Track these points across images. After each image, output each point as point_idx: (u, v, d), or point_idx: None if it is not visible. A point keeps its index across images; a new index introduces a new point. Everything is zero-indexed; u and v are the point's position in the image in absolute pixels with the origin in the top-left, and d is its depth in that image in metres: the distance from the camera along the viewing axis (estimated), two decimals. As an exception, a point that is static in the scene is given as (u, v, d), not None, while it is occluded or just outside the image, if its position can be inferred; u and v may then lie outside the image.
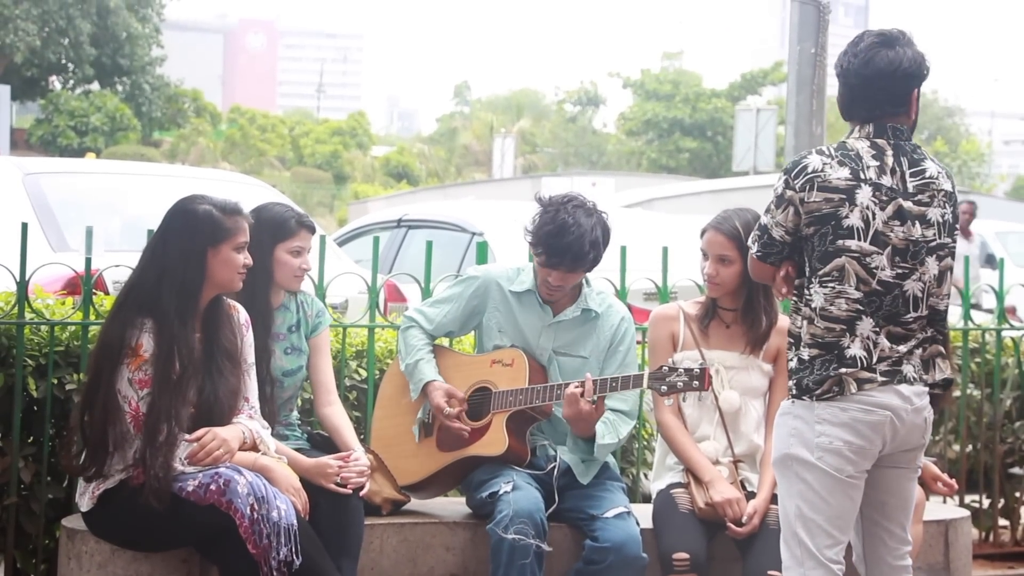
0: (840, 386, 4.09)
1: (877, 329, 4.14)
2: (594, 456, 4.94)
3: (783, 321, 5.09)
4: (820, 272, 4.13)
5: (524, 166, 50.62)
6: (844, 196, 4.11)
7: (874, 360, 4.13)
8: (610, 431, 4.90)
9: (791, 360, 4.18)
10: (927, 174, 4.21)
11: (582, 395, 4.71)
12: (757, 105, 33.92)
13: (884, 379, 4.12)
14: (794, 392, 4.14)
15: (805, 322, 4.15)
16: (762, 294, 5.00)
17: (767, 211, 4.20)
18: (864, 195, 4.12)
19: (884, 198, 4.14)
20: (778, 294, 4.33)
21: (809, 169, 4.13)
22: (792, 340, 4.19)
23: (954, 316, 5.84)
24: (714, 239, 4.98)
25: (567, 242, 4.82)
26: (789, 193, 4.14)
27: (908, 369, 4.16)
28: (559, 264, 4.86)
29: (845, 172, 4.13)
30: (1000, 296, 6.61)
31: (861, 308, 4.12)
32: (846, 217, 4.11)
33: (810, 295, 4.14)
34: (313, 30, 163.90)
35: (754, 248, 4.23)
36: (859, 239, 4.11)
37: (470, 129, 60.07)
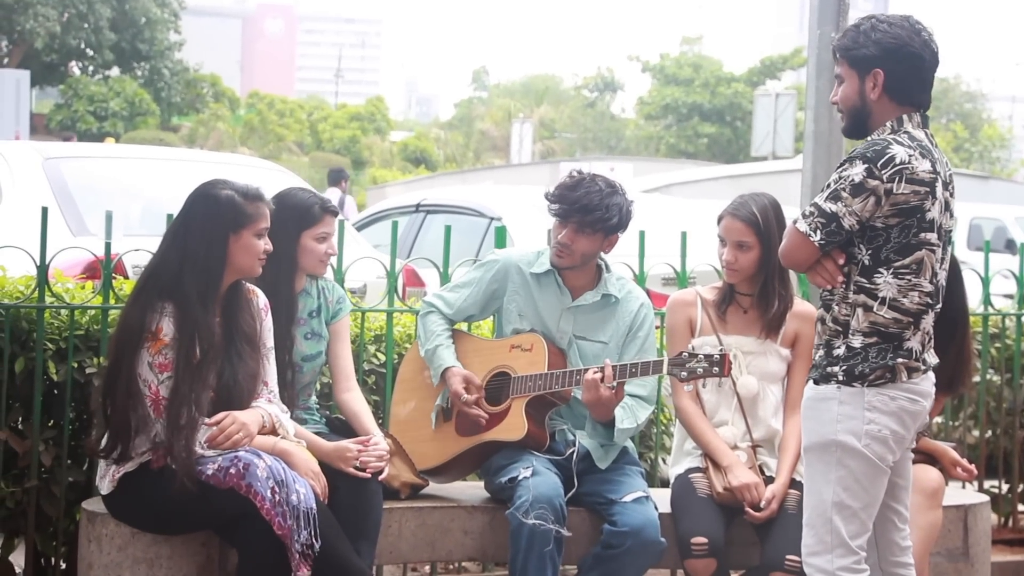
0: (892, 373, 4.09)
1: (934, 324, 4.18)
2: (613, 441, 4.94)
3: (800, 306, 5.08)
4: (897, 264, 4.09)
5: (542, 151, 50.56)
6: (928, 189, 4.09)
7: (924, 352, 4.15)
8: (628, 416, 4.90)
9: (837, 348, 4.13)
10: (949, 164, 4.23)
11: (601, 380, 4.71)
12: (776, 90, 33.81)
13: (925, 367, 4.16)
14: (841, 379, 4.11)
15: (860, 310, 4.10)
16: (777, 279, 4.98)
17: (834, 199, 4.06)
18: (939, 189, 4.12)
19: (943, 190, 4.15)
20: (829, 283, 4.17)
21: (897, 160, 4.05)
22: (838, 328, 4.14)
23: (974, 301, 5.83)
24: (732, 225, 4.97)
25: (579, 194, 4.85)
26: (873, 183, 4.04)
27: (929, 356, 4.18)
28: (569, 215, 4.86)
29: (927, 165, 4.10)
30: (1020, 281, 6.59)
31: (930, 302, 4.13)
32: (929, 211, 4.10)
33: (875, 284, 4.09)
34: (331, 15, 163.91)
35: (816, 236, 4.08)
36: (937, 234, 4.12)
37: (488, 114, 60.01)
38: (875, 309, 4.10)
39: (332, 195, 16.86)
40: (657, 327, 5.28)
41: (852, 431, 4.10)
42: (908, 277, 4.10)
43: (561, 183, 4.94)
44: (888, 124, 4.19)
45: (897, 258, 4.10)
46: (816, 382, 4.19)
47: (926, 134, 4.19)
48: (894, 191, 4.05)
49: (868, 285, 4.11)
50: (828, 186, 4.13)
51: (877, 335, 4.10)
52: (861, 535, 4.16)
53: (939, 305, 4.20)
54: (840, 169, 4.13)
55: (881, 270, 4.10)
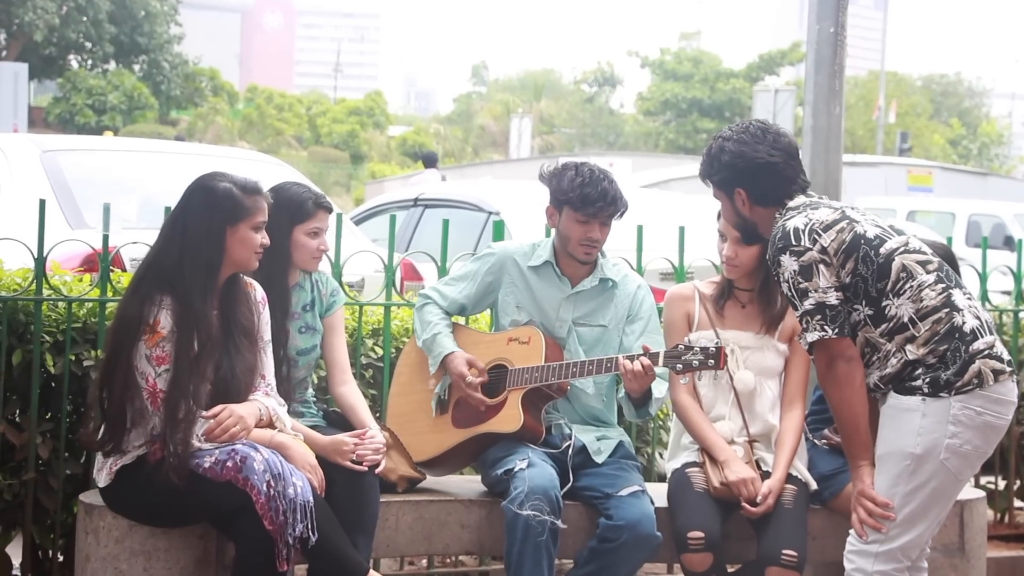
0: (980, 377, 4.07)
1: (968, 295, 4.20)
2: (648, 412, 4.94)
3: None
4: (888, 287, 4.12)
5: (541, 146, 50.59)
6: (845, 222, 4.18)
7: (984, 322, 4.13)
8: (658, 386, 4.90)
9: (918, 371, 4.11)
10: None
11: (642, 367, 4.70)
12: (775, 86, 33.83)
13: (1011, 368, 4.15)
14: (927, 391, 4.08)
15: (908, 345, 4.10)
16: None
17: (804, 295, 4.11)
18: (852, 212, 4.22)
19: (857, 213, 4.28)
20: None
21: (800, 226, 4.17)
22: (907, 370, 4.12)
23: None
24: (732, 220, 4.97)
25: (604, 187, 4.87)
26: (808, 256, 4.12)
27: (1004, 352, 4.18)
28: (603, 209, 4.87)
29: (826, 210, 4.23)
30: (1018, 277, 6.60)
31: (944, 286, 4.14)
32: (866, 231, 4.15)
33: (895, 316, 4.11)
34: (330, 9, 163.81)
35: (829, 331, 4.09)
36: (892, 237, 4.15)
37: (487, 109, 60.06)
38: (914, 333, 4.10)
39: (433, 176, 17.96)
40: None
41: (932, 444, 4.09)
42: (907, 286, 4.11)
43: (572, 182, 4.89)
44: (776, 217, 4.31)
45: (884, 281, 4.12)
46: (898, 392, 4.16)
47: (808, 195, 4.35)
48: (825, 245, 4.13)
49: (891, 324, 4.11)
50: (790, 296, 4.18)
51: (937, 343, 4.09)
52: (916, 548, 4.17)
53: (957, 284, 4.20)
54: (779, 278, 4.20)
55: (886, 303, 4.12)
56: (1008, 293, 6.88)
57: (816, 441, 5.04)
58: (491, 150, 54.44)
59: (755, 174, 4.32)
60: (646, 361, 4.69)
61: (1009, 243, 18.37)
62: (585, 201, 4.86)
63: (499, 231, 5.94)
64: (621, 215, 4.95)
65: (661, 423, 6.01)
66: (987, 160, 53.26)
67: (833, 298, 4.11)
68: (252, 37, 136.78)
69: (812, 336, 4.15)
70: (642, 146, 51.80)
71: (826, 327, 4.11)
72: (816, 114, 6.19)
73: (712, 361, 4.60)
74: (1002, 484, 6.94)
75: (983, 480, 6.77)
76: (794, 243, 4.13)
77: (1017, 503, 7.06)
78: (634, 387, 4.77)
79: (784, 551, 4.63)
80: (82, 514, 4.58)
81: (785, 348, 5.04)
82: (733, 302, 5.06)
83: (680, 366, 4.64)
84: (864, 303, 4.14)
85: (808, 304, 4.12)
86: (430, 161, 20.67)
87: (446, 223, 5.68)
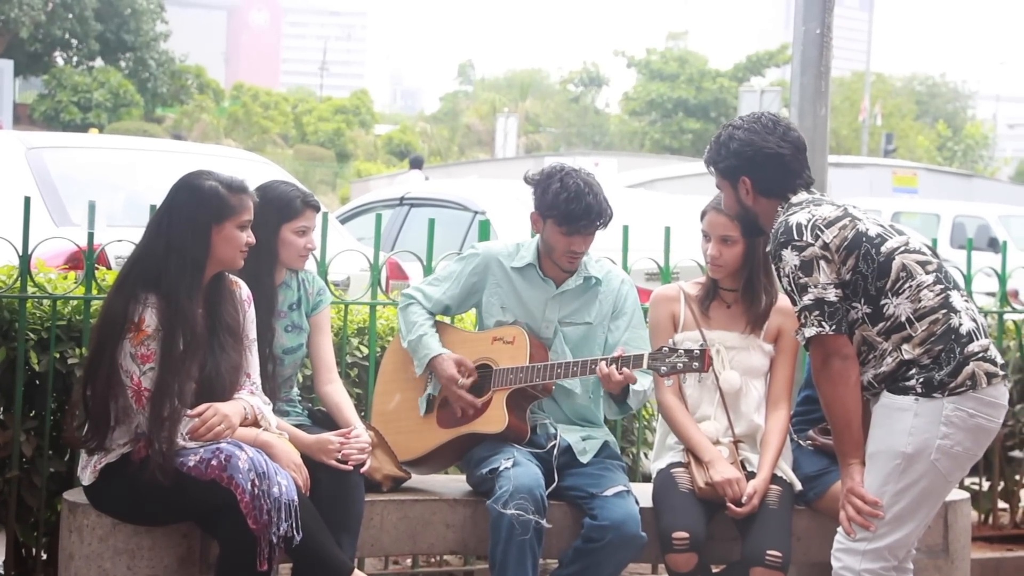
0: (973, 379, 4.09)
1: (965, 298, 4.22)
2: (630, 407, 4.95)
3: (783, 301, 5.09)
4: (887, 286, 4.13)
5: (527, 145, 50.60)
6: (847, 219, 4.19)
7: (980, 325, 4.16)
8: (641, 378, 4.91)
9: (912, 371, 4.13)
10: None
11: (617, 371, 4.70)
12: (761, 87, 33.92)
13: (1004, 371, 4.16)
14: (920, 391, 4.10)
15: (904, 345, 4.12)
16: (763, 272, 4.99)
17: (804, 290, 4.14)
18: (854, 211, 4.22)
19: (860, 212, 4.29)
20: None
21: (804, 222, 4.18)
22: (901, 370, 4.13)
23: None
24: (716, 220, 4.96)
25: (588, 203, 4.85)
26: (809, 251, 4.13)
27: (999, 356, 4.20)
28: (587, 226, 4.87)
29: (829, 207, 4.24)
30: (1002, 279, 6.61)
31: (943, 287, 4.16)
32: (867, 229, 4.16)
33: (892, 315, 4.12)
34: (316, 7, 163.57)
35: (826, 327, 4.12)
36: (893, 236, 4.16)
37: (473, 108, 60.04)
38: (911, 333, 4.11)
39: (417, 177, 18.79)
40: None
41: (924, 444, 4.10)
42: (906, 286, 4.12)
43: (557, 195, 4.85)
44: (778, 211, 4.33)
45: (884, 280, 4.13)
46: (891, 391, 4.18)
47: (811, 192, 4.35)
48: (827, 241, 4.14)
49: (888, 323, 4.12)
50: (790, 291, 4.21)
51: (932, 343, 4.11)
52: (903, 548, 4.18)
53: (955, 286, 4.22)
54: (780, 272, 4.23)
55: (884, 301, 4.13)
56: (993, 295, 6.90)
57: (801, 442, 5.05)
58: (477, 149, 54.43)
59: (762, 164, 4.34)
60: (626, 372, 4.70)
61: (993, 245, 18.43)
62: (569, 217, 4.85)
63: (485, 230, 5.94)
64: (606, 225, 4.94)
65: (646, 423, 6.01)
66: (972, 162, 53.41)
67: (832, 295, 4.12)
68: (238, 35, 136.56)
69: (809, 331, 4.16)
70: (627, 146, 51.84)
71: (823, 323, 4.13)
72: (802, 115, 6.20)
73: (696, 363, 4.61)
74: (986, 485, 6.96)
75: (967, 481, 6.79)
76: (796, 238, 4.15)
77: (1001, 504, 7.08)
78: (612, 387, 4.78)
79: (768, 552, 4.63)
80: (66, 512, 4.57)
81: (770, 348, 5.04)
82: (718, 302, 5.07)
83: (665, 368, 4.65)
84: (863, 301, 4.15)
85: (807, 299, 4.14)
86: (416, 163, 21.48)
87: (432, 222, 5.68)
